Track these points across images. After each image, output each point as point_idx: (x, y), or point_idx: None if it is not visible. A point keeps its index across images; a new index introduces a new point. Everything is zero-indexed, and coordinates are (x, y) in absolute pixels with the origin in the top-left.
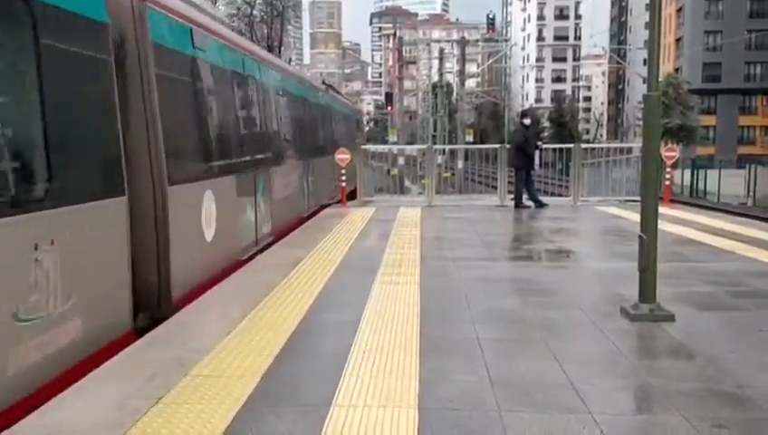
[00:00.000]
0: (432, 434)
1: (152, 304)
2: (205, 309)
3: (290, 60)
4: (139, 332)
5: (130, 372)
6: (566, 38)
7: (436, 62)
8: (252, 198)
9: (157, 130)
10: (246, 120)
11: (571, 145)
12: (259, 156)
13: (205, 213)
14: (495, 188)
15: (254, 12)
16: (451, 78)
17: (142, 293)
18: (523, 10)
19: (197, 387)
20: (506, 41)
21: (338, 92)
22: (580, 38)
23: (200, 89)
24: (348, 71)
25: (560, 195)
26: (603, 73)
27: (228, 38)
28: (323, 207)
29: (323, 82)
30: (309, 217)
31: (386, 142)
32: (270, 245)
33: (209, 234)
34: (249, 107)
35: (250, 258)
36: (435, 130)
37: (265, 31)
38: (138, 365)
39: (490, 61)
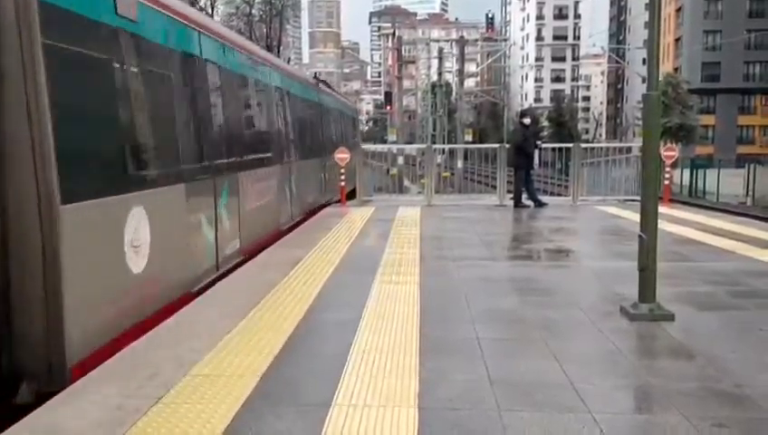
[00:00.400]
0: (432, 434)
1: (40, 371)
2: (204, 308)
3: (289, 59)
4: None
5: (130, 372)
6: (565, 38)
7: (435, 62)
8: (210, 211)
9: (44, 127)
10: (203, 116)
11: (571, 145)
12: (222, 159)
13: (131, 237)
14: (495, 187)
15: (253, 11)
16: (450, 77)
17: (24, 357)
18: (522, 9)
19: (197, 387)
20: (505, 40)
21: (332, 89)
22: (579, 38)
23: (127, 71)
24: (347, 70)
25: (559, 194)
26: (602, 73)
27: (176, 9)
28: (315, 211)
29: (315, 77)
30: (291, 229)
31: (385, 142)
32: (239, 265)
33: (138, 264)
34: (207, 99)
35: (209, 286)
36: (434, 130)
37: (264, 30)
38: (137, 365)
39: (489, 60)
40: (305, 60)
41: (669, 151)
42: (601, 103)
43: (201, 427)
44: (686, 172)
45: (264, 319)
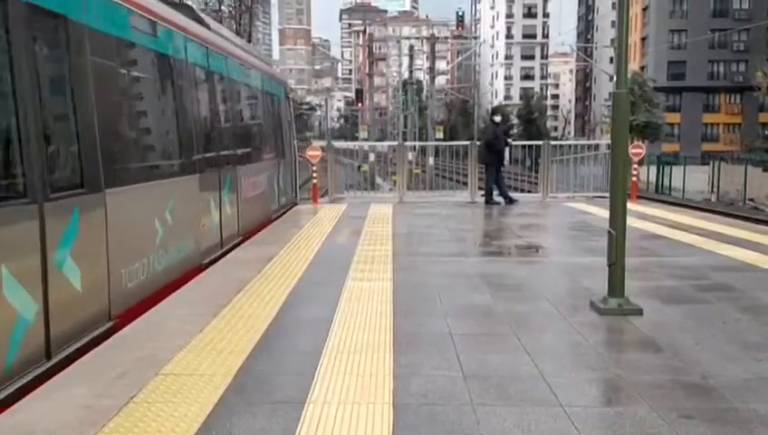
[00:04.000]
0: (407, 429)
1: None
2: (176, 306)
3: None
4: None
5: (101, 372)
6: (534, 36)
7: (406, 59)
8: None
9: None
10: None
11: (541, 142)
12: None
13: None
14: (466, 184)
15: (223, 7)
16: (421, 75)
17: None
18: (492, 8)
19: (169, 386)
20: (476, 38)
21: (213, 31)
22: (547, 36)
23: None
24: (318, 67)
25: (529, 191)
26: (571, 71)
27: None
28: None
29: None
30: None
31: (356, 139)
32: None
33: None
34: None
35: None
36: (405, 127)
37: (234, 27)
38: (108, 364)
39: (460, 58)
40: (276, 56)
41: (636, 149)
42: (570, 101)
43: (174, 426)
44: (653, 169)
45: (236, 317)
